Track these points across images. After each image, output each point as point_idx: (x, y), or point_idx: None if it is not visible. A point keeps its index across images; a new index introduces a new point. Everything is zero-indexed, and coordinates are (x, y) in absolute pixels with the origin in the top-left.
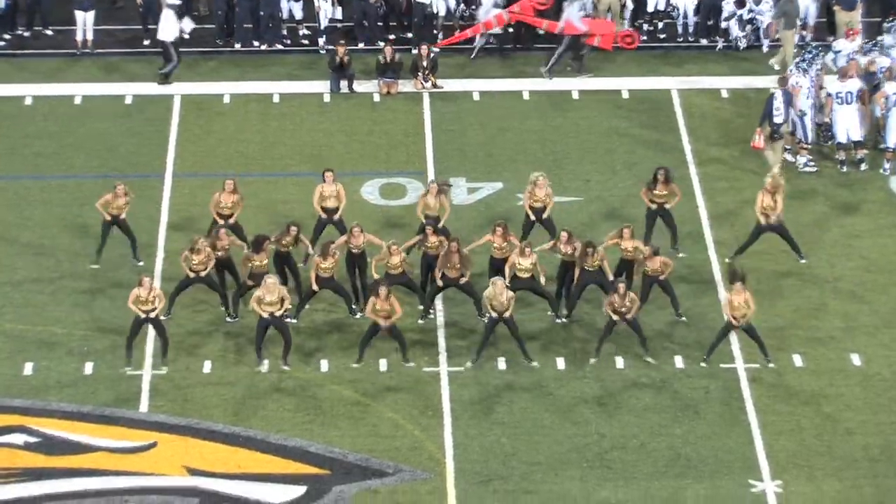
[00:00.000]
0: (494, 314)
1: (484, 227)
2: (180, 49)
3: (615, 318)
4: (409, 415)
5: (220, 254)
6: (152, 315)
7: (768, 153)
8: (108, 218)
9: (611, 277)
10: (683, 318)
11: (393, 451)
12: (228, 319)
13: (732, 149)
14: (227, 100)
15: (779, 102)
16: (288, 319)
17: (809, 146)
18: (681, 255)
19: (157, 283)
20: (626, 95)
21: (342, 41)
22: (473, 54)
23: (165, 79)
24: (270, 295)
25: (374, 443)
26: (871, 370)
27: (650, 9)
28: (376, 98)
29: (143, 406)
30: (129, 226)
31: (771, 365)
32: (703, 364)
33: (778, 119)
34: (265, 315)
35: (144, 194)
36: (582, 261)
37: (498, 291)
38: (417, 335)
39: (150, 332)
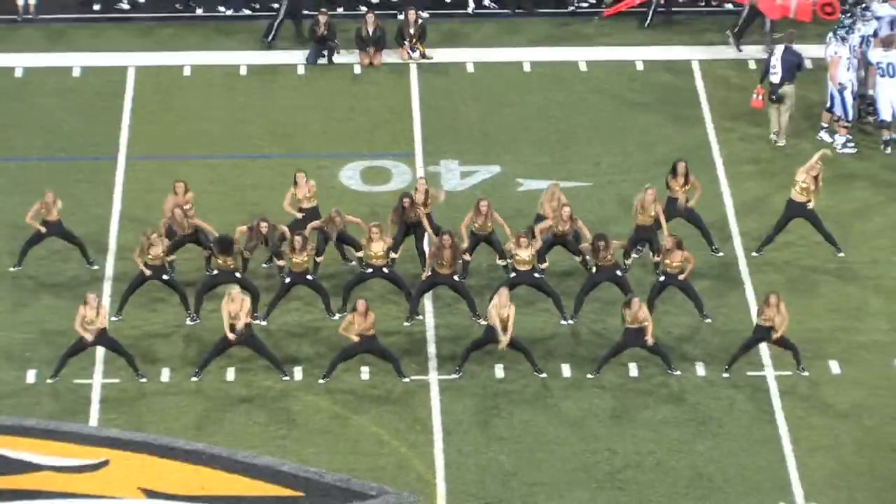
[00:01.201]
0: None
1: None
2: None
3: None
4: (394, 429)
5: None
6: (99, 335)
7: (773, 116)
8: (43, 230)
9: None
10: (709, 320)
11: (376, 470)
12: (189, 321)
13: (763, 127)
14: (187, 72)
15: (775, 59)
16: (257, 321)
17: (849, 124)
18: (720, 254)
19: (108, 284)
20: (640, 67)
21: (324, 9)
22: (648, 21)
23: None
24: (235, 306)
25: (355, 461)
26: None
27: None
28: (357, 70)
29: (94, 419)
30: (70, 231)
31: (805, 373)
32: (725, 375)
33: (774, 78)
34: (230, 335)
35: (94, 179)
36: (593, 256)
37: (502, 303)
38: (404, 339)
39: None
